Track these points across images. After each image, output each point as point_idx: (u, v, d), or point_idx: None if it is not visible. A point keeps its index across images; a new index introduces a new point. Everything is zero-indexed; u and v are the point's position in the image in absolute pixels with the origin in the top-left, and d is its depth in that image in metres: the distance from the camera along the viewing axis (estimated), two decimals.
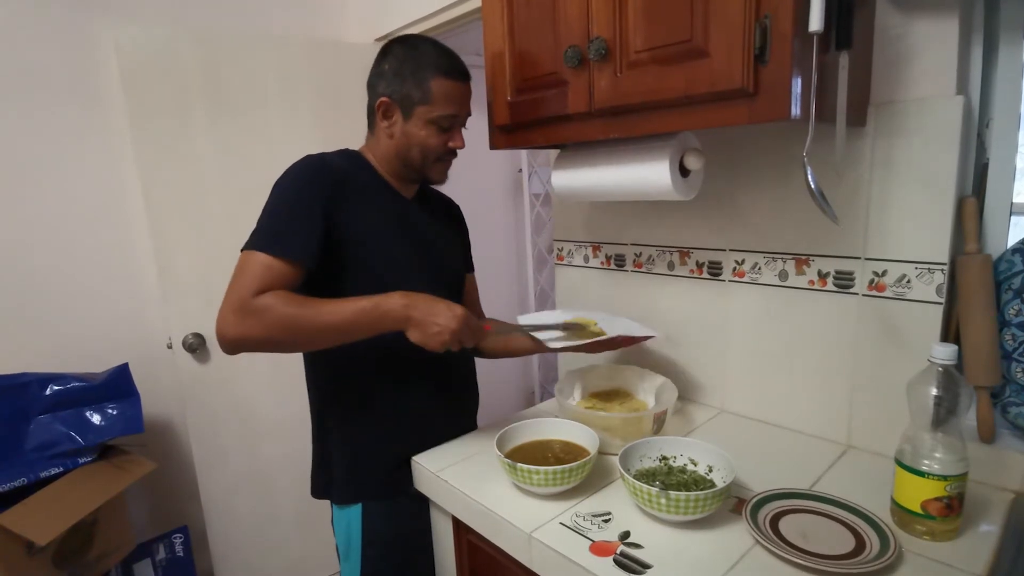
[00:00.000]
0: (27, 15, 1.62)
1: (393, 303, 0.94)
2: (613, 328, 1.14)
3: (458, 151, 1.13)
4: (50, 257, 1.72)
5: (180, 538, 1.88)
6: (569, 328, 1.15)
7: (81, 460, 1.51)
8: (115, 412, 1.57)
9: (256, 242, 0.97)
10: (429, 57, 1.05)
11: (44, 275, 1.71)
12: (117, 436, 1.56)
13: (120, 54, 1.66)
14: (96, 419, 1.55)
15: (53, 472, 1.46)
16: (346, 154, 1.14)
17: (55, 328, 1.73)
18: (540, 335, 1.15)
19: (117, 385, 1.60)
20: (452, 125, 1.09)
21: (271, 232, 0.98)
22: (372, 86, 1.10)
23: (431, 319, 0.94)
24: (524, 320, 1.22)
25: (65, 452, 1.49)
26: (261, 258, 0.95)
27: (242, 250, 0.98)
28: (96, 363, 1.70)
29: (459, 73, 1.07)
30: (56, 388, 1.53)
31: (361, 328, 0.95)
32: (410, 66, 1.05)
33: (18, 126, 1.64)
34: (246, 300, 0.92)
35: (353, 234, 1.04)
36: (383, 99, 1.07)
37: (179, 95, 1.74)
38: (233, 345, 0.93)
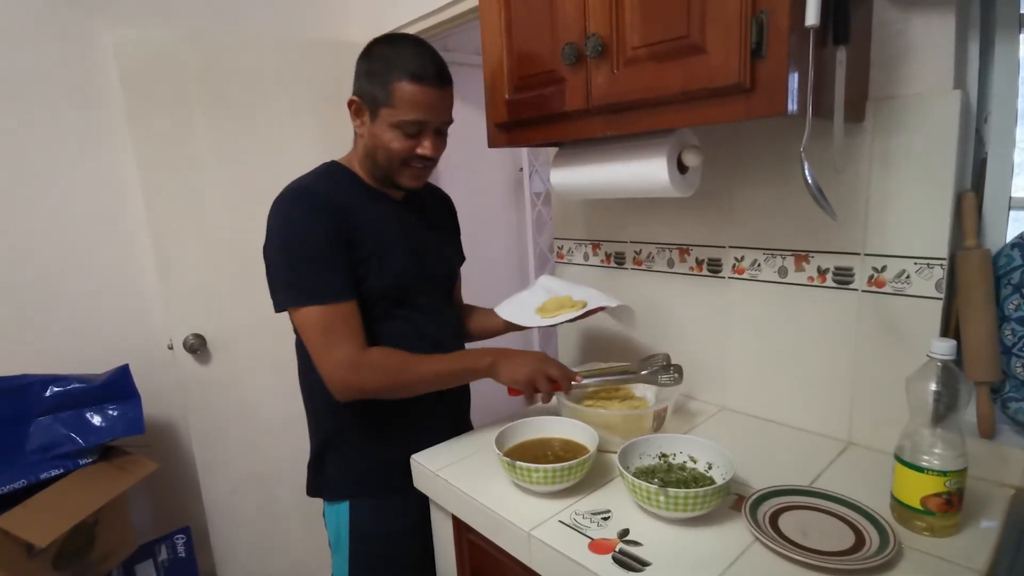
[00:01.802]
0: (26, 17, 1.62)
1: (481, 362, 1.07)
2: (585, 296, 1.22)
3: (438, 157, 1.10)
4: (50, 258, 1.72)
5: (182, 539, 1.88)
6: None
7: (82, 461, 1.51)
8: (116, 413, 1.57)
9: (316, 295, 1.00)
10: (400, 58, 1.01)
11: (44, 276, 1.71)
12: (118, 437, 1.56)
13: (119, 55, 1.66)
14: (97, 420, 1.55)
15: (54, 473, 1.46)
16: (327, 172, 1.12)
17: (55, 329, 1.73)
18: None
19: (118, 386, 1.60)
20: (420, 131, 1.04)
21: (324, 279, 1.01)
22: (353, 85, 1.10)
23: (515, 359, 1.05)
24: (503, 309, 1.29)
25: (66, 453, 1.49)
26: (331, 313, 1.01)
27: (298, 306, 1.01)
28: (97, 364, 1.70)
29: (430, 78, 1.01)
30: (56, 389, 1.53)
31: (456, 379, 1.08)
32: (380, 65, 1.03)
33: (18, 129, 1.64)
34: (356, 358, 1.01)
35: (360, 250, 1.05)
36: (353, 98, 1.07)
37: (179, 96, 1.74)
38: (351, 393, 1.03)
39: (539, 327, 1.21)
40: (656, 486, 0.83)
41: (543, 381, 1.04)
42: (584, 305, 1.18)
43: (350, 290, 1.02)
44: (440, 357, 1.06)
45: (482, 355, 1.06)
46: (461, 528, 1.06)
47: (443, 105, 1.06)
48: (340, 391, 1.02)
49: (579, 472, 0.95)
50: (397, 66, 1.01)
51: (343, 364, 1.00)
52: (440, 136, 1.09)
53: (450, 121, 1.09)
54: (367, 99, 1.05)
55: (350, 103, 1.07)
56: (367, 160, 1.10)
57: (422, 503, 1.15)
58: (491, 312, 1.32)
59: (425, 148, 1.06)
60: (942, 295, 0.94)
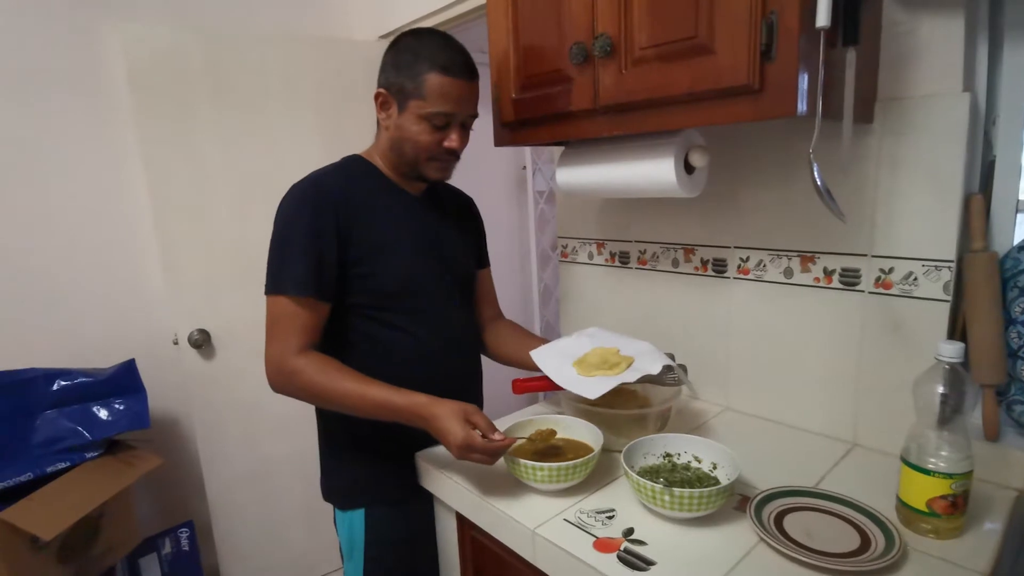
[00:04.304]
0: (35, 14, 1.62)
1: (413, 419, 0.97)
2: (635, 351, 1.09)
3: (460, 151, 1.09)
4: (57, 254, 1.72)
5: (186, 533, 1.89)
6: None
7: (88, 455, 1.52)
8: (121, 407, 1.58)
9: (279, 284, 1.01)
10: (429, 50, 1.01)
11: (51, 271, 1.72)
12: (123, 431, 1.57)
13: (127, 52, 1.66)
14: (103, 414, 1.56)
15: (60, 467, 1.46)
16: (346, 165, 1.12)
17: (62, 324, 1.74)
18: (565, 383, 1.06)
19: (123, 380, 1.61)
20: (448, 124, 1.04)
21: (289, 273, 1.00)
22: (378, 78, 1.09)
23: (443, 435, 0.94)
24: (541, 358, 1.13)
25: (71, 447, 1.50)
26: (286, 305, 1.00)
27: (266, 294, 1.02)
28: (103, 359, 1.71)
29: (459, 70, 1.01)
30: (63, 383, 1.54)
31: (380, 417, 0.99)
32: (408, 58, 1.02)
33: (25, 124, 1.65)
34: (283, 359, 1.00)
35: (365, 247, 1.04)
36: (380, 91, 1.06)
37: (184, 92, 1.74)
38: (279, 392, 1.03)
39: (567, 389, 1.06)
40: (661, 485, 0.83)
41: (471, 457, 0.93)
42: (631, 363, 1.06)
43: (314, 286, 1.00)
44: (368, 390, 0.97)
45: (404, 416, 0.97)
46: (465, 526, 1.06)
47: (471, 98, 1.05)
48: (271, 387, 1.02)
49: (583, 471, 0.95)
50: (427, 58, 1.01)
51: (272, 362, 1.01)
52: (465, 129, 1.08)
53: (476, 114, 1.08)
54: (395, 91, 1.04)
55: (377, 95, 1.07)
56: (392, 153, 1.09)
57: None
58: (528, 342, 1.22)
59: (452, 141, 1.05)
60: (950, 297, 0.94)
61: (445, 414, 0.93)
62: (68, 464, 1.48)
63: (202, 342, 1.82)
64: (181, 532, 1.89)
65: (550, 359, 1.12)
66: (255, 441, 1.94)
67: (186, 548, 1.89)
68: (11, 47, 1.60)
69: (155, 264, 1.83)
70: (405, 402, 0.96)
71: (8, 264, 1.65)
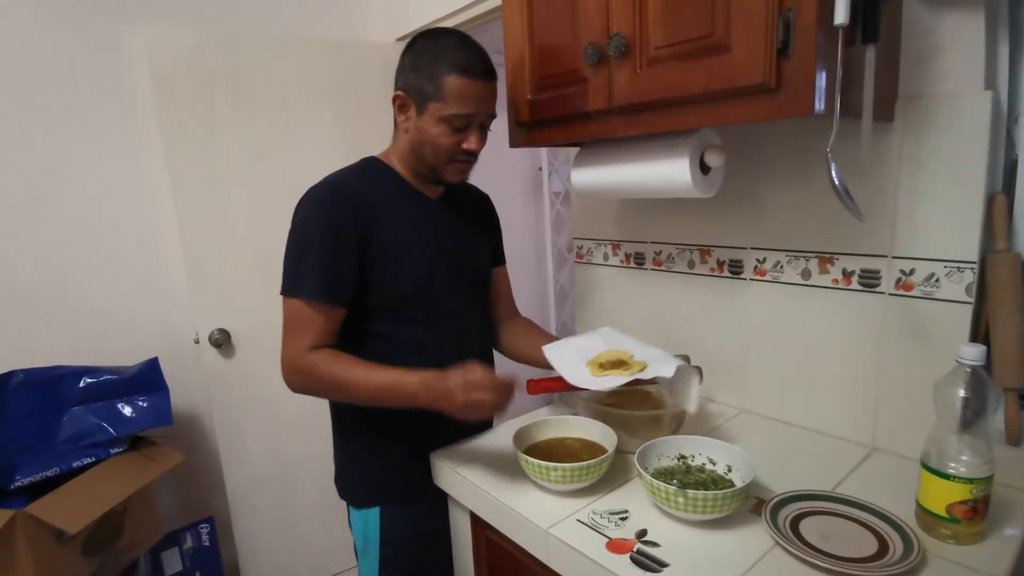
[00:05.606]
0: (61, 21, 1.66)
1: (416, 393, 0.97)
2: (647, 357, 1.07)
3: (478, 152, 1.08)
4: (84, 254, 1.77)
5: (206, 528, 1.92)
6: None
7: (112, 451, 1.55)
8: (145, 404, 1.61)
9: (295, 287, 1.02)
10: (448, 52, 1.01)
11: (78, 271, 1.76)
12: (147, 428, 1.60)
13: (151, 59, 1.70)
14: (127, 411, 1.59)
15: (85, 462, 1.50)
16: (364, 166, 1.12)
17: (88, 323, 1.78)
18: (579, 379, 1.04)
19: (147, 378, 1.64)
20: (467, 125, 1.03)
21: (304, 278, 1.01)
22: (395, 80, 1.08)
23: (441, 396, 0.95)
24: (553, 354, 1.12)
25: (97, 443, 1.53)
26: (301, 308, 1.01)
27: (283, 294, 1.03)
28: (127, 357, 1.74)
29: (478, 71, 1.01)
30: (89, 380, 1.58)
31: (391, 403, 1.01)
32: (426, 60, 1.01)
33: (52, 128, 1.69)
34: (297, 357, 1.02)
35: (381, 249, 1.05)
36: (398, 93, 1.06)
37: (206, 97, 1.78)
38: (295, 390, 1.05)
39: (580, 387, 1.02)
40: (675, 487, 0.83)
41: (481, 410, 0.94)
42: (642, 368, 1.03)
43: (329, 293, 1.01)
44: (376, 380, 0.99)
45: (414, 390, 0.97)
46: (479, 525, 1.07)
47: (490, 98, 1.05)
48: (289, 387, 1.05)
49: (597, 472, 0.95)
50: (446, 60, 1.00)
51: (287, 362, 1.03)
52: (484, 130, 1.08)
53: (495, 114, 1.08)
54: (414, 94, 1.04)
55: (395, 98, 1.07)
56: (411, 156, 1.09)
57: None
58: (542, 340, 1.20)
59: (471, 142, 1.05)
60: (972, 299, 0.92)
61: (446, 375, 0.96)
62: (93, 460, 1.51)
63: (222, 341, 1.85)
64: (202, 527, 1.92)
65: (563, 356, 1.11)
66: (273, 439, 1.97)
67: (207, 543, 1.92)
68: (40, 55, 1.65)
69: (178, 265, 1.87)
70: (412, 381, 0.97)
71: (37, 266, 1.70)
